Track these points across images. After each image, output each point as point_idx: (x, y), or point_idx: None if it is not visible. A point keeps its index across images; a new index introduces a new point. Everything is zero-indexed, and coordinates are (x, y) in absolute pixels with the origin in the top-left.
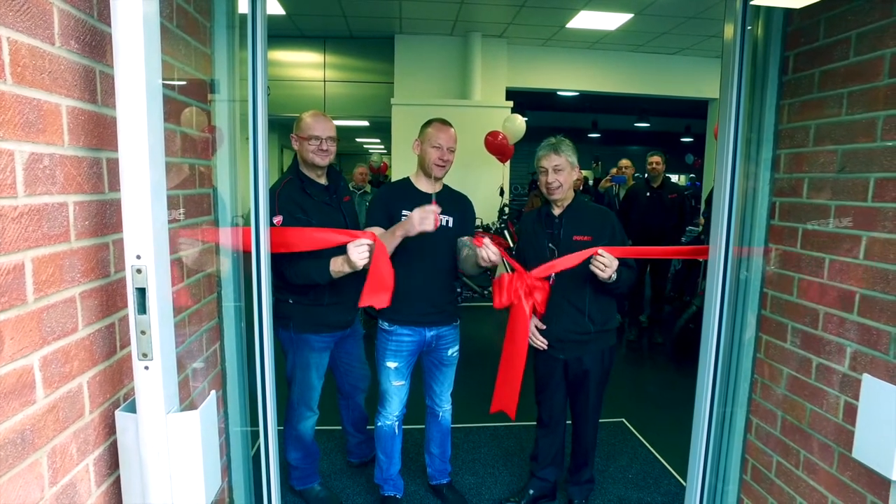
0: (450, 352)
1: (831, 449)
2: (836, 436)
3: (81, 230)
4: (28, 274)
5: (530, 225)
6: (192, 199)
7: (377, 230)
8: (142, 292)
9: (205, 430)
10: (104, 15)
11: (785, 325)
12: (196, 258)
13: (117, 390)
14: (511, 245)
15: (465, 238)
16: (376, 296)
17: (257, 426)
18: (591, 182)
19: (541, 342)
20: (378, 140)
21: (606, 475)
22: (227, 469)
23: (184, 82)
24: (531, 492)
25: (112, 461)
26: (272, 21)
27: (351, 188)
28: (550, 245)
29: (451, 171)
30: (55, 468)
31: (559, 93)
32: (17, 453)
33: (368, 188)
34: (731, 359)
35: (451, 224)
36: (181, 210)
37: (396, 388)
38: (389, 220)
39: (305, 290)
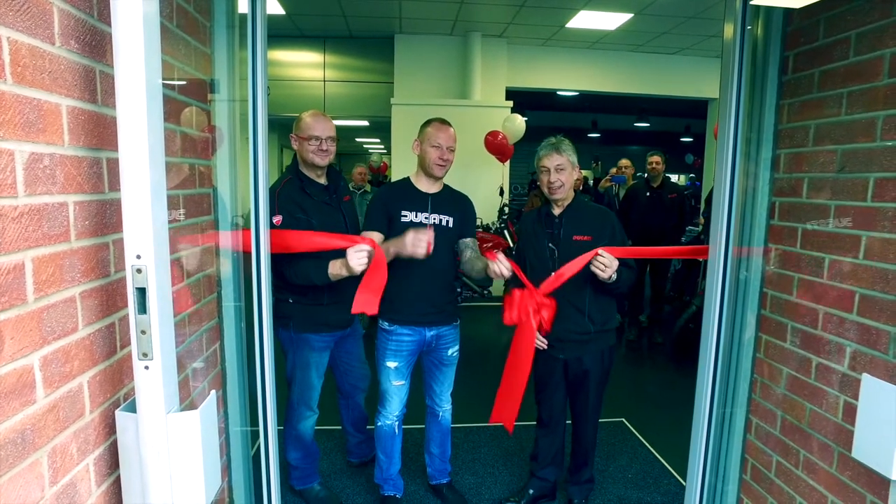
0: (450, 352)
1: (831, 449)
2: (836, 435)
3: (81, 230)
4: (28, 274)
5: (530, 225)
6: (192, 199)
7: (376, 236)
8: (142, 292)
9: (205, 430)
10: (104, 15)
11: (785, 325)
12: (196, 258)
13: (117, 390)
14: (511, 245)
15: (468, 239)
16: (367, 301)
17: (257, 426)
18: (590, 182)
19: (541, 342)
20: (378, 140)
21: (606, 475)
22: (227, 469)
23: (184, 82)
24: (531, 491)
25: (112, 461)
26: (272, 21)
27: (351, 188)
28: (550, 245)
29: (451, 170)
30: (55, 468)
31: (559, 93)
32: (18, 453)
33: (368, 188)
34: (730, 358)
35: (451, 224)
36: (181, 210)
37: (396, 388)
38: (389, 220)
39: (305, 290)
